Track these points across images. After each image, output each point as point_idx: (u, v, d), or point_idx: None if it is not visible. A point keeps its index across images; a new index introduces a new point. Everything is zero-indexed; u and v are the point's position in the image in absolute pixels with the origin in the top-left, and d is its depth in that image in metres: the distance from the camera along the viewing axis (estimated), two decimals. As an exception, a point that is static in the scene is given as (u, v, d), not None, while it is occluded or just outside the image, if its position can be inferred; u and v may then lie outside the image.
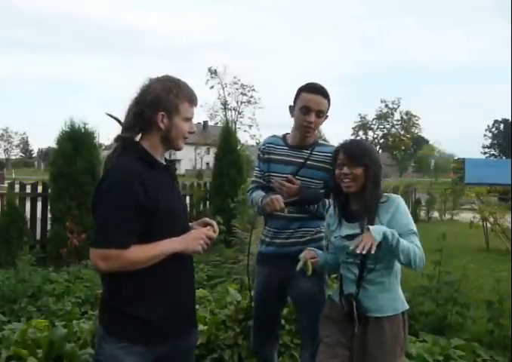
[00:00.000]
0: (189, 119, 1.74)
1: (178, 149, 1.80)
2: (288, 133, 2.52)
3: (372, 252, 1.78)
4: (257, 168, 2.55)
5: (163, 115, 1.68)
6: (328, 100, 2.37)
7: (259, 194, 2.41)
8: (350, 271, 2.04)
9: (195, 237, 1.71)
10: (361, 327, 2.00)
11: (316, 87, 2.36)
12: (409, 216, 2.02)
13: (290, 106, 2.44)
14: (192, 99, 1.74)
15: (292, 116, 2.43)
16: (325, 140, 2.76)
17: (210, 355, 2.76)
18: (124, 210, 1.58)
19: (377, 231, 1.83)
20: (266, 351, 2.58)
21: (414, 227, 1.99)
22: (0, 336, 2.85)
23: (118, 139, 1.74)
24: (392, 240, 1.85)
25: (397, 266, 2.06)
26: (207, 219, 1.90)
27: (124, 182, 1.60)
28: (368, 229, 1.84)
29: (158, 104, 1.67)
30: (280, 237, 2.41)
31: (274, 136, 2.58)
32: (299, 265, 2.09)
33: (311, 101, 2.32)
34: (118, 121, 1.77)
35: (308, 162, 2.39)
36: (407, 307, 2.07)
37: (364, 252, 1.78)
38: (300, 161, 2.40)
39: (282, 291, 2.49)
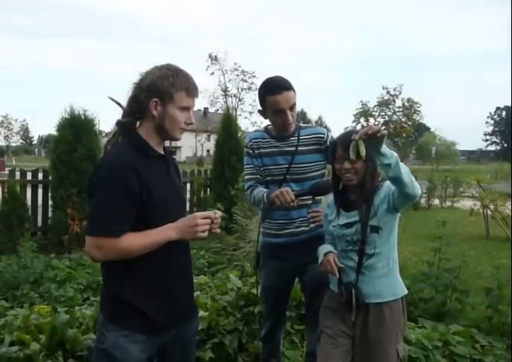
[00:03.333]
0: (185, 109, 1.68)
1: (175, 139, 1.76)
2: (269, 125, 2.48)
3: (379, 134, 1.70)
4: (249, 165, 2.49)
5: (156, 101, 1.65)
6: (293, 89, 2.30)
7: (260, 191, 2.39)
8: (349, 259, 2.05)
9: (191, 225, 1.65)
10: (362, 314, 2.01)
11: (278, 85, 2.27)
12: None
13: (259, 111, 2.40)
14: (189, 89, 1.68)
15: (265, 118, 2.41)
16: (326, 127, 2.75)
17: (211, 340, 2.79)
18: (117, 199, 1.57)
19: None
20: (275, 337, 2.66)
21: None
22: (3, 322, 2.87)
23: (117, 123, 1.73)
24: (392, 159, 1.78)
25: (395, 252, 2.08)
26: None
27: (117, 170, 1.59)
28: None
29: (152, 90, 1.65)
30: (289, 227, 2.41)
31: (256, 131, 2.58)
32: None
33: (280, 103, 2.26)
34: (120, 106, 1.76)
35: (299, 148, 2.38)
36: (406, 292, 2.09)
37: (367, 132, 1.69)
38: (292, 149, 2.38)
39: (293, 278, 2.56)
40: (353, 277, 2.02)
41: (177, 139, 1.76)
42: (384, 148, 1.78)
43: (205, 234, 1.68)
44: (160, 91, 1.65)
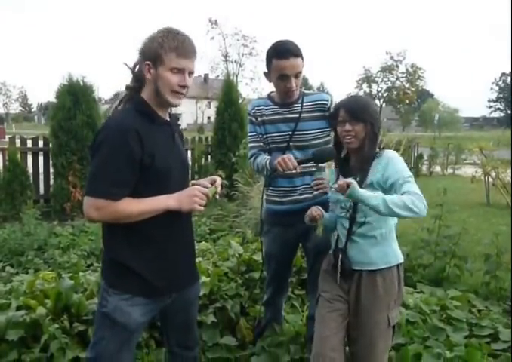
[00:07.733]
0: (178, 70, 1.63)
1: (170, 105, 1.71)
2: (272, 92, 2.45)
3: (345, 194, 1.80)
4: (252, 133, 2.47)
5: (148, 64, 1.63)
6: (301, 57, 2.26)
7: (264, 158, 2.38)
8: (342, 226, 2.06)
9: (190, 195, 1.67)
10: (355, 281, 2.03)
11: (287, 50, 2.22)
12: (403, 164, 1.96)
13: (265, 73, 2.35)
14: (179, 48, 1.61)
15: (270, 82, 2.36)
16: (327, 92, 2.71)
17: (213, 305, 2.84)
18: (118, 162, 1.57)
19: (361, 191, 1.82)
20: (277, 302, 2.71)
21: (408, 173, 1.93)
22: (9, 287, 2.93)
23: (126, 88, 1.73)
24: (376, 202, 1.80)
25: (392, 220, 2.06)
26: (214, 177, 1.87)
27: (120, 134, 1.57)
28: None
29: (144, 53, 1.64)
30: (293, 194, 2.41)
31: (259, 98, 2.55)
32: (318, 230, 2.07)
33: (286, 68, 2.22)
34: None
35: (303, 115, 2.36)
36: (401, 260, 2.08)
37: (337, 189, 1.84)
38: (295, 116, 2.36)
39: (297, 245, 2.58)
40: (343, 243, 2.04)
41: (172, 105, 1.71)
42: (363, 194, 1.79)
43: (202, 208, 1.69)
44: (149, 54, 1.62)
